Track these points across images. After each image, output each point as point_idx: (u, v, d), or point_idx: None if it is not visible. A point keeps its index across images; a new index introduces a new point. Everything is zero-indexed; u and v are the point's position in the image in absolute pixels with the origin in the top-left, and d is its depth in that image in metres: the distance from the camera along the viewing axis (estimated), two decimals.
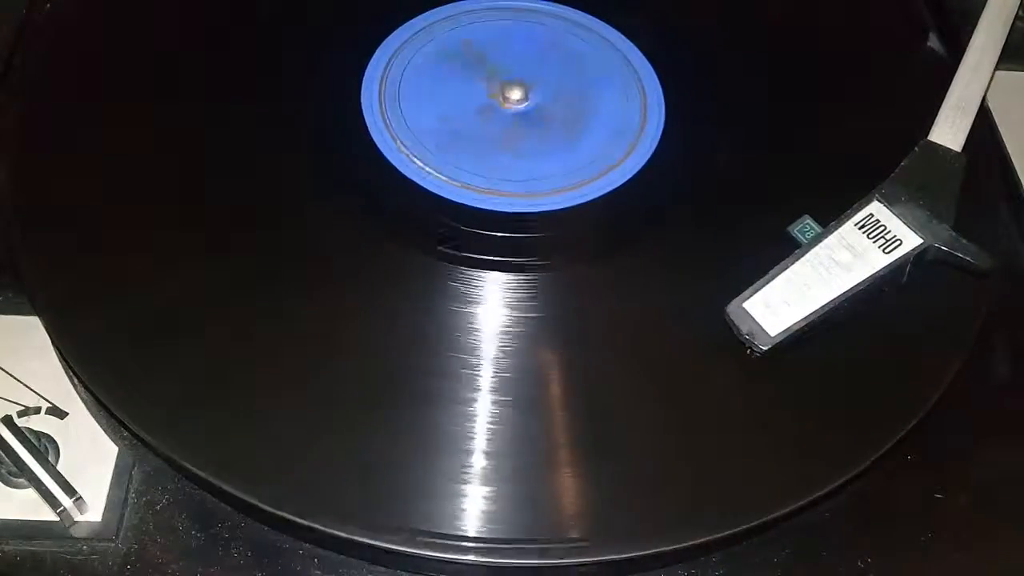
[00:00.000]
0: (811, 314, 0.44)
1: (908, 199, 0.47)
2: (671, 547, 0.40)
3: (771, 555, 0.43)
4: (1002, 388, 0.49)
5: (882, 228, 0.46)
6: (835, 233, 0.46)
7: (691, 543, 0.40)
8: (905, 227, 0.46)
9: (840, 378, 0.45)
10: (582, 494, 0.42)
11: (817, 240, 0.46)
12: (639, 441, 0.43)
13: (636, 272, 0.48)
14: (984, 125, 0.55)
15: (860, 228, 0.46)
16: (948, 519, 0.44)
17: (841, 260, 0.45)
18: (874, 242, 0.46)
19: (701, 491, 0.41)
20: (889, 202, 0.47)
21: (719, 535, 0.40)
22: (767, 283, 0.45)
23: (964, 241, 0.46)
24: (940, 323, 0.47)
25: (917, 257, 0.46)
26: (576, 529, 0.40)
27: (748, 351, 0.44)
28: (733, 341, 0.44)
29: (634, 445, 0.42)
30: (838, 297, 0.45)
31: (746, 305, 0.45)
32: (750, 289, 0.45)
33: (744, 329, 0.44)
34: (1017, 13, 0.56)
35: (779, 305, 0.44)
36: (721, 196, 0.51)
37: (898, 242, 0.46)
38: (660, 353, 0.45)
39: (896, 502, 0.44)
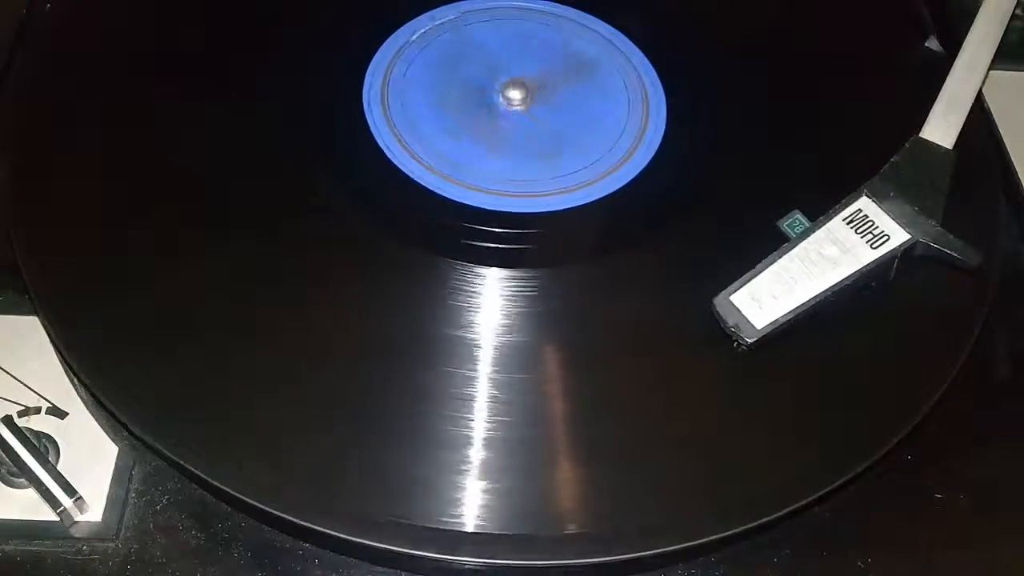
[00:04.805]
0: (797, 308, 0.44)
1: (897, 195, 0.47)
2: (671, 547, 0.40)
3: (771, 555, 0.43)
4: (1002, 388, 0.49)
5: (870, 223, 0.46)
6: (823, 228, 0.47)
7: (691, 543, 0.40)
8: (893, 223, 0.46)
9: (841, 378, 0.45)
10: (581, 494, 0.42)
11: (805, 235, 0.46)
12: (639, 440, 0.43)
13: (634, 272, 0.48)
14: (984, 125, 0.55)
15: (848, 223, 0.46)
16: (948, 519, 0.44)
17: (828, 255, 0.46)
18: (862, 237, 0.46)
19: (701, 491, 0.41)
20: (877, 198, 0.47)
21: (719, 535, 0.40)
22: (754, 276, 0.45)
23: (951, 237, 0.46)
24: (940, 323, 0.47)
25: (905, 253, 0.46)
26: (575, 529, 0.40)
27: (735, 344, 0.44)
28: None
29: (634, 444, 0.42)
30: (824, 291, 0.45)
31: (733, 298, 0.45)
32: (737, 282, 0.45)
33: (730, 322, 0.44)
34: (1015, 12, 0.56)
35: (766, 298, 0.44)
36: (721, 196, 0.51)
37: (885, 237, 0.46)
38: (660, 352, 0.45)
39: (896, 502, 0.44)
